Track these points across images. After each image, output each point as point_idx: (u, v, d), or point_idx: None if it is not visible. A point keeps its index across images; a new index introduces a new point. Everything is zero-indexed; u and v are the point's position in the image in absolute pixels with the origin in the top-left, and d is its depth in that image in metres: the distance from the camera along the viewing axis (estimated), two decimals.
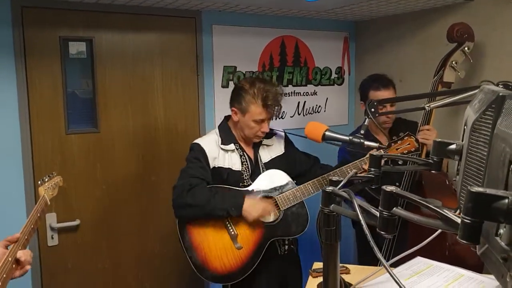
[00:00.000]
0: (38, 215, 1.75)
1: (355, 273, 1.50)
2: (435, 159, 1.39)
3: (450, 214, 0.90)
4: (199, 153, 2.28)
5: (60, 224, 2.61)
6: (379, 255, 0.99)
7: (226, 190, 2.25)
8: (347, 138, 1.87)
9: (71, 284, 2.68)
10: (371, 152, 1.83)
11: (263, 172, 2.35)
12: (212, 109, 3.00)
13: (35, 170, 2.51)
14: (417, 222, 0.96)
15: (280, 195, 2.28)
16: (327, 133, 1.90)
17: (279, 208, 2.27)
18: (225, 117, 2.46)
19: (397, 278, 0.92)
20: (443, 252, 2.20)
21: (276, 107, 2.29)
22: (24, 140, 2.49)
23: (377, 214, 1.02)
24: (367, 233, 1.01)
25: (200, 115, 2.98)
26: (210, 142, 2.33)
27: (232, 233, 2.23)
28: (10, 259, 1.54)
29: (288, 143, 2.52)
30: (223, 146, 2.32)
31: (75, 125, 2.66)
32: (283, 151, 2.46)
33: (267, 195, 2.28)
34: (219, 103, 2.98)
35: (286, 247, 2.43)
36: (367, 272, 1.43)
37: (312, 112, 3.35)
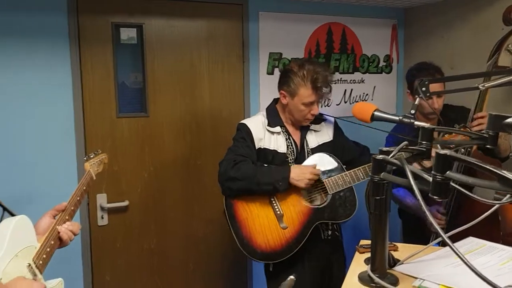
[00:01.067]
0: (84, 188, 1.82)
1: (403, 251, 1.47)
2: (490, 133, 1.34)
3: (508, 174, 0.86)
4: (245, 133, 2.30)
5: (110, 204, 2.70)
6: (437, 227, 0.96)
7: (274, 167, 2.26)
8: (397, 118, 1.82)
9: (119, 263, 2.77)
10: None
11: (308, 157, 2.33)
12: (257, 96, 3.01)
13: (87, 151, 2.60)
14: (472, 184, 0.93)
15: (329, 178, 2.25)
16: (376, 113, 1.85)
17: (327, 192, 2.25)
18: (274, 99, 2.45)
19: (457, 250, 0.88)
20: (497, 242, 2.11)
21: (326, 89, 2.26)
22: (78, 122, 2.59)
23: (430, 179, 1.00)
24: (419, 198, 0.98)
25: (245, 101, 3.00)
26: (256, 123, 2.33)
27: (278, 212, 2.23)
28: (57, 226, 1.61)
29: (337, 130, 2.48)
30: (269, 128, 2.33)
31: (125, 108, 2.74)
32: (331, 138, 2.43)
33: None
34: (264, 90, 2.99)
35: (330, 232, 2.40)
36: (415, 250, 1.40)
37: (358, 100, 3.30)
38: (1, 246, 1.35)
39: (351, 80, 3.28)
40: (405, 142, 1.28)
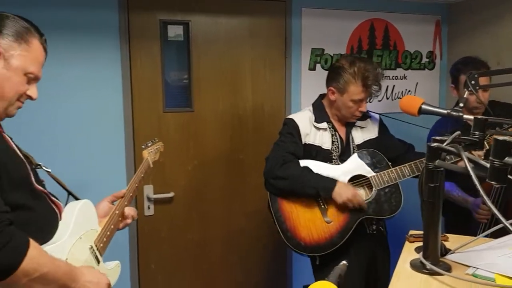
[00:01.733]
0: (142, 175, 1.90)
1: (453, 241, 1.47)
2: None
3: None
4: (293, 129, 2.32)
5: (156, 195, 2.79)
6: (495, 211, 0.97)
7: (322, 166, 2.28)
8: (445, 111, 1.82)
9: (163, 252, 2.86)
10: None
11: (353, 153, 2.35)
12: (298, 91, 3.04)
13: (135, 144, 2.71)
14: None
15: (374, 175, 2.26)
16: (423, 106, 1.86)
17: (372, 188, 2.26)
18: (320, 95, 2.47)
19: None
20: None
21: (376, 87, 2.28)
22: (127, 116, 2.69)
23: (487, 165, 1.01)
24: (477, 183, 1.00)
25: (286, 97, 3.03)
26: (303, 119, 2.36)
27: (323, 207, 2.26)
28: (117, 212, 1.70)
29: (382, 127, 2.49)
30: (315, 124, 2.35)
31: (171, 103, 2.82)
32: (377, 135, 2.44)
33: (361, 174, 2.28)
34: (306, 85, 3.02)
35: (374, 227, 2.40)
36: (465, 241, 1.40)
37: (401, 97, 3.28)
38: (67, 228, 1.43)
39: (393, 76, 3.27)
40: (458, 132, 1.29)
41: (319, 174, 2.24)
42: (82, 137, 2.60)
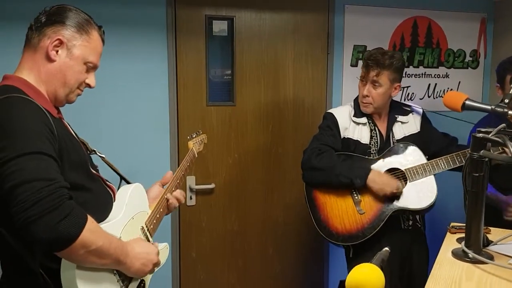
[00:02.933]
0: (188, 164, 1.99)
1: (495, 234, 1.48)
2: None
3: None
4: (331, 122, 2.37)
5: (198, 186, 2.88)
6: None
7: (356, 159, 2.32)
8: (489, 107, 1.82)
9: (203, 241, 2.95)
10: None
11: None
12: (339, 87, 3.07)
13: (179, 135, 2.80)
14: None
15: (409, 167, 2.27)
16: (467, 102, 1.85)
17: (407, 180, 2.27)
18: None
19: None
20: None
21: (375, 69, 2.28)
22: (172, 108, 2.79)
23: None
24: None
25: (327, 93, 3.07)
26: (343, 113, 2.40)
27: (356, 198, 2.30)
28: (166, 196, 1.78)
29: (425, 121, 2.48)
30: (355, 119, 2.38)
31: (214, 97, 2.91)
32: (419, 130, 2.43)
33: (395, 167, 2.29)
34: (347, 81, 3.05)
35: (410, 222, 2.40)
36: (506, 234, 1.41)
37: (442, 95, 3.25)
38: (121, 209, 1.52)
39: (435, 74, 3.24)
40: (503, 124, 1.30)
41: (353, 164, 2.29)
42: (129, 127, 2.71)
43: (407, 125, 2.43)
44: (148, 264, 1.45)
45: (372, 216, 2.27)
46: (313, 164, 2.29)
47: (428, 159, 2.30)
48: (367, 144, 2.37)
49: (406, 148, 2.34)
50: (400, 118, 2.42)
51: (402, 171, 2.29)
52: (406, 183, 2.28)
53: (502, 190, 2.36)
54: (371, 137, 2.38)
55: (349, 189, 2.30)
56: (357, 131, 2.38)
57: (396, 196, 2.26)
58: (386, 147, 2.37)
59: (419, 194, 2.27)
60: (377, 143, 2.38)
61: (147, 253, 1.45)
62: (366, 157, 2.34)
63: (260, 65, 2.95)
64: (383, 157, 2.33)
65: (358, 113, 2.40)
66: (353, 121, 2.39)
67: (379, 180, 2.24)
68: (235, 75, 2.91)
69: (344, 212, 2.30)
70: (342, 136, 2.37)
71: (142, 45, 2.70)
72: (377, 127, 2.40)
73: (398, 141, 2.39)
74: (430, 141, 2.43)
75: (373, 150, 2.37)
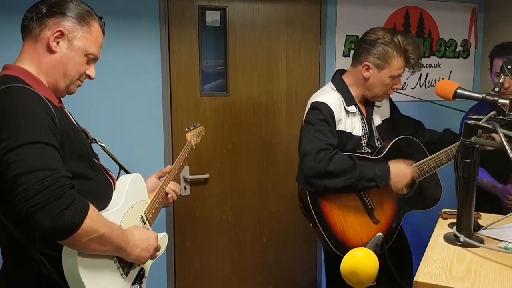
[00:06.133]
0: (186, 155, 2.01)
1: (485, 219, 1.51)
2: None
3: None
4: (328, 115, 2.06)
5: (192, 176, 2.90)
6: None
7: (365, 160, 2.10)
8: (480, 95, 1.85)
9: (197, 231, 2.97)
10: None
11: (376, 137, 2.23)
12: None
13: (173, 126, 2.81)
14: None
15: (415, 165, 2.13)
16: (459, 90, 1.88)
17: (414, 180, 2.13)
18: (337, 71, 2.27)
19: None
20: None
21: (418, 63, 2.13)
22: (165, 99, 2.79)
23: None
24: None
25: (320, 83, 3.08)
26: (335, 102, 2.11)
27: (369, 206, 2.10)
28: (164, 187, 1.80)
29: (393, 106, 2.37)
30: (347, 108, 2.13)
31: (208, 88, 2.91)
32: (389, 115, 2.32)
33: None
34: None
35: None
36: (496, 219, 1.45)
37: (434, 85, 3.29)
38: (120, 198, 1.54)
39: (427, 64, 3.27)
40: (494, 112, 1.33)
41: (369, 164, 2.05)
42: (122, 119, 2.71)
43: (381, 110, 2.29)
44: (149, 249, 1.48)
45: (386, 223, 2.12)
46: (327, 169, 1.94)
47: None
48: (359, 135, 2.16)
49: (407, 142, 2.20)
50: (377, 102, 2.25)
51: None
52: (413, 183, 2.15)
53: (496, 175, 2.40)
54: (362, 127, 2.17)
55: (359, 194, 2.09)
56: (349, 122, 2.14)
57: (406, 197, 2.15)
58: (371, 136, 2.20)
59: (427, 192, 2.16)
60: (366, 133, 2.19)
61: (147, 238, 1.48)
62: (365, 155, 2.14)
63: (253, 55, 2.95)
64: (386, 154, 2.14)
65: (348, 100, 2.14)
66: (346, 110, 2.13)
67: (400, 173, 2.03)
68: (229, 65, 2.91)
69: (358, 225, 2.06)
70: (337, 129, 2.10)
71: (135, 36, 2.69)
72: (364, 116, 2.20)
73: (377, 127, 2.25)
74: (400, 126, 2.32)
75: (364, 142, 2.18)
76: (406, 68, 2.16)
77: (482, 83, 3.40)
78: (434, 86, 3.20)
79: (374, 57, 2.11)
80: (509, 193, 2.33)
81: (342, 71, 2.28)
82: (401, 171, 2.05)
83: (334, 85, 2.20)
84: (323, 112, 2.06)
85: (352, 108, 2.16)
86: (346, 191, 2.02)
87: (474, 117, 1.26)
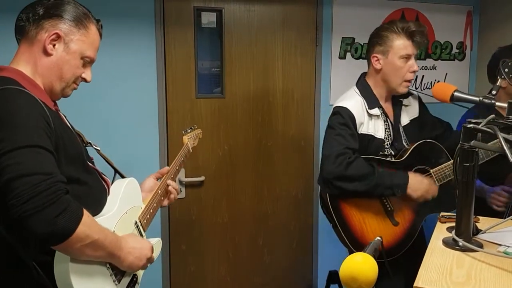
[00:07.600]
0: (182, 159, 1.99)
1: (484, 223, 1.51)
2: None
3: None
4: (349, 119, 2.08)
5: (187, 178, 2.88)
6: None
7: (384, 164, 2.11)
8: (477, 98, 1.85)
9: (193, 233, 2.95)
10: None
11: (403, 138, 2.22)
12: (328, 80, 3.07)
13: (168, 128, 2.79)
14: None
15: (436, 169, 2.14)
16: (456, 93, 1.89)
17: (435, 183, 2.13)
18: (362, 74, 2.28)
19: None
20: None
21: (421, 39, 2.12)
22: (160, 100, 2.77)
23: None
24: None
25: (316, 85, 3.07)
26: (357, 106, 2.13)
27: (389, 209, 2.10)
28: (159, 191, 1.78)
29: (422, 104, 2.35)
30: (370, 111, 2.15)
31: (204, 89, 2.90)
32: (418, 114, 2.30)
33: (423, 168, 2.16)
34: (336, 73, 3.06)
35: None
36: (494, 223, 1.44)
37: (430, 87, 3.29)
38: (114, 203, 1.51)
39: (423, 66, 3.27)
40: (493, 115, 1.32)
41: (388, 171, 2.06)
42: (117, 121, 2.69)
43: (410, 109, 2.28)
44: (142, 258, 1.46)
45: (406, 226, 2.12)
46: (344, 173, 1.97)
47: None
48: (382, 138, 2.16)
49: (428, 146, 2.19)
50: (404, 101, 2.26)
51: (429, 173, 2.16)
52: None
53: (490, 181, 2.39)
54: (385, 129, 2.18)
55: (380, 197, 2.10)
56: (371, 124, 2.15)
57: (427, 200, 2.13)
58: (397, 137, 2.21)
59: (446, 196, 2.13)
60: (390, 135, 2.20)
61: (141, 248, 1.46)
62: (388, 158, 2.16)
63: (249, 57, 2.94)
64: (406, 158, 2.14)
65: (371, 103, 2.15)
66: (368, 114, 2.15)
67: (420, 187, 2.06)
68: (224, 67, 2.90)
69: (377, 226, 2.07)
70: (358, 133, 2.12)
71: (130, 37, 2.67)
72: (388, 118, 2.21)
73: (404, 127, 2.24)
74: (428, 126, 2.32)
75: (387, 145, 2.18)
76: (414, 45, 2.14)
77: (478, 85, 3.40)
78: (430, 89, 3.22)
79: (377, 46, 2.15)
80: (494, 192, 2.32)
81: (365, 74, 2.30)
82: (420, 186, 2.07)
83: (358, 88, 2.23)
84: (343, 116, 2.10)
85: (375, 111, 2.17)
86: (363, 196, 2.04)
87: (473, 120, 1.25)
